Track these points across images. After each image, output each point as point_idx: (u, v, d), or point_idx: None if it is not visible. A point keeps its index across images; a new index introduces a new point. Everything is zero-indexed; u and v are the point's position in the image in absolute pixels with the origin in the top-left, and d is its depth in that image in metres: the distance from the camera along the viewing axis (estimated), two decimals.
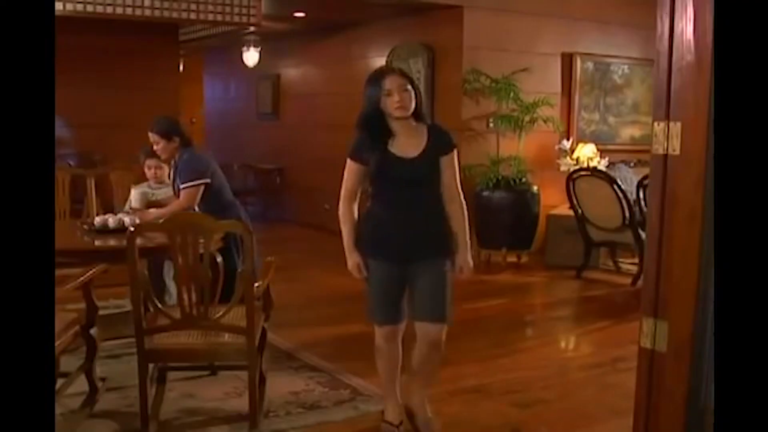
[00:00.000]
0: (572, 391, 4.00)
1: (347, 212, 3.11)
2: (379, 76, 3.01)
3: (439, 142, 3.06)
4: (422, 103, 3.06)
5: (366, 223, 3.10)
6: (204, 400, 3.64)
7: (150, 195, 4.67)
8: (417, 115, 3.04)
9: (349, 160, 3.09)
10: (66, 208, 5.26)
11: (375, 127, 3.01)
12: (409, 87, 2.98)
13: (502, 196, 7.02)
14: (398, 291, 3.09)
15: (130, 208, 4.60)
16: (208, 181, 4.43)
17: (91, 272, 3.51)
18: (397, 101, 2.94)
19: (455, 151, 3.09)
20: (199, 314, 3.18)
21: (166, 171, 4.67)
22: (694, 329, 1.67)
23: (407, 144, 3.02)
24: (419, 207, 3.04)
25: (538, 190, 7.21)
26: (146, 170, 4.72)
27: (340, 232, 3.12)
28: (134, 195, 4.70)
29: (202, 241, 3.16)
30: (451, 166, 3.08)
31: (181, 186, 4.41)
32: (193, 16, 6.67)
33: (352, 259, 3.10)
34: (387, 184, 3.03)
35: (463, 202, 3.12)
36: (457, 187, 3.09)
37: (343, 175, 3.11)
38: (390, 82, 2.97)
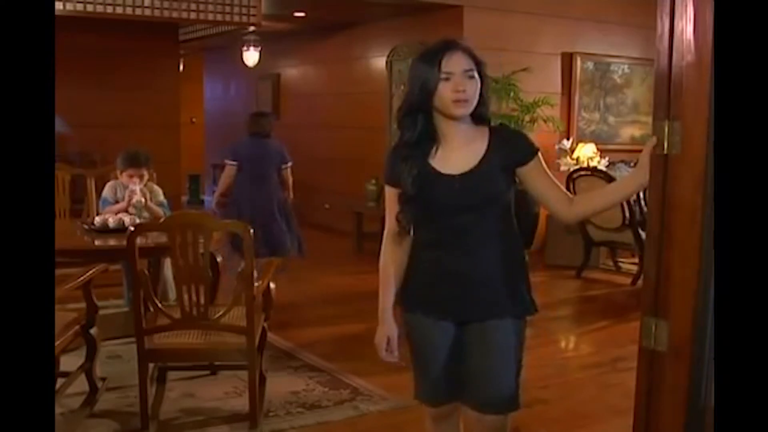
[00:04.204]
0: (572, 391, 4.00)
1: (388, 259, 2.22)
2: (435, 51, 2.07)
3: (508, 149, 2.16)
4: (488, 97, 2.17)
5: (407, 270, 2.23)
6: (204, 399, 3.64)
7: (122, 198, 4.60)
8: (477, 114, 2.14)
9: (386, 187, 2.22)
10: (66, 208, 5.25)
11: (416, 126, 2.12)
12: (476, 73, 2.08)
13: None
14: (452, 357, 2.22)
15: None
16: (234, 164, 5.56)
17: (91, 272, 3.51)
18: (458, 92, 2.05)
19: (539, 155, 2.20)
20: (199, 314, 3.18)
21: (146, 178, 4.65)
22: (694, 329, 1.67)
23: (457, 155, 2.13)
24: (477, 244, 2.15)
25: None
26: (125, 178, 4.60)
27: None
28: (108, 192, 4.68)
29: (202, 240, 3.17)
30: (542, 176, 2.20)
31: None
32: (193, 16, 6.68)
33: (382, 329, 2.20)
34: (428, 212, 2.16)
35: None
36: (563, 191, 2.25)
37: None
38: (452, 63, 2.05)
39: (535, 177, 2.20)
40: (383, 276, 2.23)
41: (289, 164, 5.79)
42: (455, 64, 2.05)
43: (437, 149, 2.14)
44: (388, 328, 2.19)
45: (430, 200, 2.13)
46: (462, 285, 2.16)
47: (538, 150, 2.21)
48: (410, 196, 2.13)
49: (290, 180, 5.79)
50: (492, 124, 2.22)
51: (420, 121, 2.11)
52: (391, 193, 2.20)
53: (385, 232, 2.23)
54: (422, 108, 2.10)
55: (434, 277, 2.18)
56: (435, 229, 2.18)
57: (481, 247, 2.15)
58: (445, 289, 2.17)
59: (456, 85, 2.04)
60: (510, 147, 2.17)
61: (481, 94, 2.10)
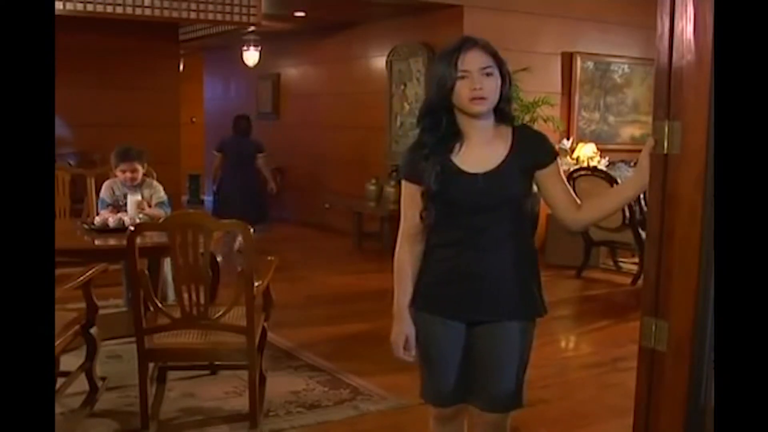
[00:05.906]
0: (572, 391, 4.00)
1: (405, 257, 2.19)
2: (452, 50, 2.05)
3: (531, 150, 2.15)
4: (510, 95, 2.15)
5: (421, 267, 2.21)
6: (204, 399, 3.65)
7: (121, 197, 4.61)
8: (499, 112, 2.13)
9: (404, 183, 2.19)
10: (66, 208, 5.25)
11: (439, 125, 2.10)
12: (495, 70, 2.06)
13: None
14: (461, 359, 2.21)
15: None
16: (217, 154, 7.56)
17: (91, 272, 3.51)
18: (474, 90, 2.03)
19: (558, 161, 2.20)
20: (199, 314, 3.18)
21: (140, 173, 4.65)
22: (694, 328, 1.67)
23: (480, 154, 2.11)
24: (491, 244, 2.13)
25: (538, 189, 7.21)
26: (119, 173, 4.61)
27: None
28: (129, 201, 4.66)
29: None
30: (558, 182, 2.18)
31: None
32: (193, 15, 6.68)
33: (400, 327, 2.19)
34: (447, 210, 2.12)
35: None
36: (574, 198, 2.19)
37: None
38: (468, 60, 2.03)
39: (551, 181, 2.17)
40: (399, 274, 2.20)
41: (263, 154, 7.48)
42: (471, 61, 2.03)
43: (461, 147, 2.11)
44: (405, 326, 2.18)
45: (452, 198, 2.10)
46: (474, 285, 2.14)
47: (558, 154, 2.20)
48: (432, 193, 2.10)
49: (264, 168, 7.54)
50: (515, 123, 2.19)
51: (444, 121, 2.09)
52: (410, 191, 2.16)
53: (401, 229, 2.21)
54: (442, 107, 2.08)
55: (447, 277, 2.16)
56: (451, 227, 2.14)
57: (495, 247, 2.13)
58: (457, 289, 2.15)
59: (472, 83, 2.02)
60: (533, 149, 2.16)
61: (502, 92, 2.09)
